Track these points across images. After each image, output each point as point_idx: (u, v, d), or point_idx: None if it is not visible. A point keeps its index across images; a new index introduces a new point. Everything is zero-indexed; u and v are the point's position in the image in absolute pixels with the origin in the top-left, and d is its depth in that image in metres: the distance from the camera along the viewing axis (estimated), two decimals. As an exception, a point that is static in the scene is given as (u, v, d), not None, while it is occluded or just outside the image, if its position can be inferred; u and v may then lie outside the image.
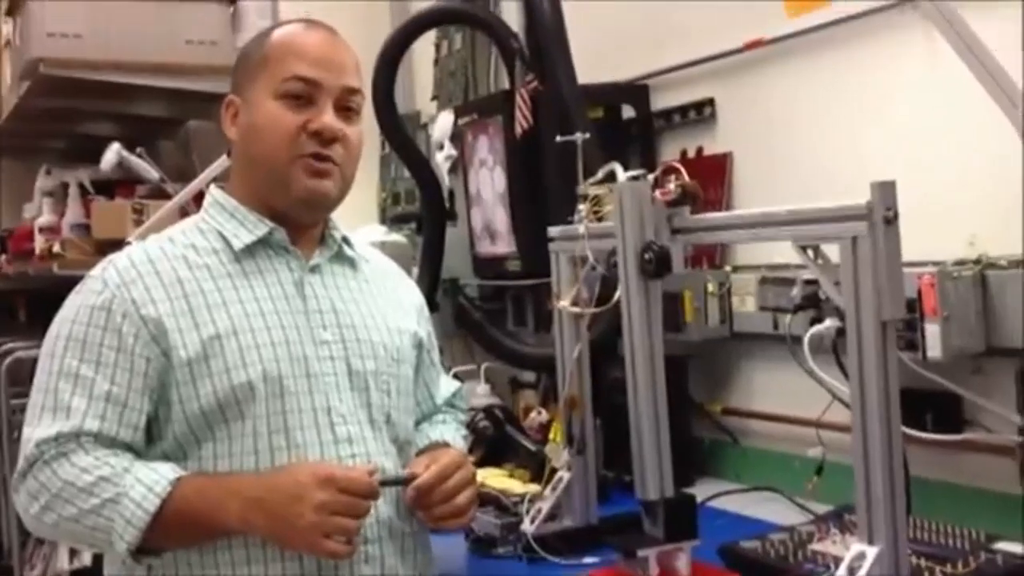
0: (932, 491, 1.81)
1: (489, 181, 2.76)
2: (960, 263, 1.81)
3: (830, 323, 1.55)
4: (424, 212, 3.02)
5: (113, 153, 3.47)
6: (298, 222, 1.50)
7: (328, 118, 1.45)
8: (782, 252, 1.75)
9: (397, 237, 3.02)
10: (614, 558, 1.71)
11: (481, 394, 2.81)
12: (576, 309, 1.86)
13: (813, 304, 1.73)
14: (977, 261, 1.80)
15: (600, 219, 1.78)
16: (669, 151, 2.60)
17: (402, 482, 1.44)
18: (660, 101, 2.62)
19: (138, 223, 3.26)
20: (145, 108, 3.81)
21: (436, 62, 3.60)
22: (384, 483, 1.40)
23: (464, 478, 1.46)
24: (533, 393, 2.87)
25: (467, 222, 2.91)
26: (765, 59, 2.31)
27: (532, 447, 2.32)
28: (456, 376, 2.40)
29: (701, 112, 2.49)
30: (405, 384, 1.55)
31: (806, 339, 1.57)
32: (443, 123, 3.07)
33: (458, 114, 2.95)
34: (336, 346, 1.46)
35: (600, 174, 1.78)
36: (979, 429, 1.83)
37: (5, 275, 4.30)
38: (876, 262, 1.30)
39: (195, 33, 3.44)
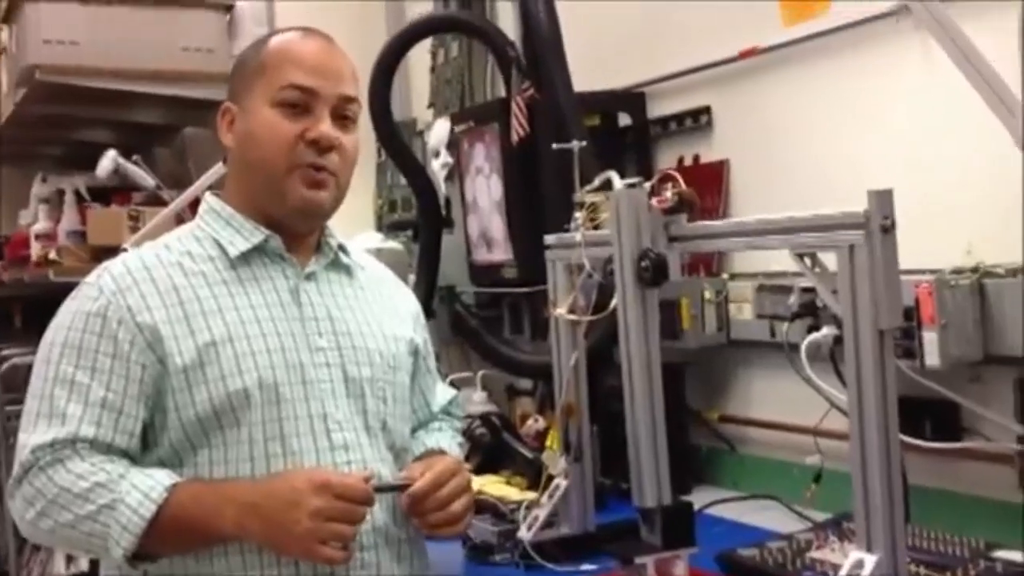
0: (931, 499, 1.81)
1: (485, 189, 2.76)
2: (958, 271, 1.81)
3: (827, 331, 1.55)
4: (420, 219, 3.02)
5: (109, 160, 3.47)
6: (293, 230, 1.50)
7: (325, 127, 1.45)
8: (779, 260, 1.75)
9: (393, 244, 3.02)
10: (611, 565, 1.71)
11: (478, 401, 2.80)
12: (573, 317, 1.86)
13: (810, 312, 1.74)
14: (975, 269, 1.80)
15: (596, 227, 1.77)
16: (666, 159, 2.60)
17: (397, 489, 1.43)
18: (657, 109, 2.62)
19: (134, 230, 3.25)
20: (141, 115, 3.80)
21: (432, 70, 3.60)
22: (379, 489, 1.39)
23: (459, 485, 1.46)
24: (530, 400, 2.87)
25: (463, 229, 2.91)
26: (761, 67, 2.31)
27: (529, 454, 2.31)
28: (453, 383, 2.40)
29: (698, 120, 2.49)
30: (401, 391, 1.54)
31: (803, 347, 1.57)
32: (439, 131, 3.07)
33: (454, 122, 2.95)
34: (332, 353, 1.46)
35: (596, 182, 1.78)
36: (977, 437, 1.83)
37: (1, 282, 4.29)
38: (873, 270, 1.30)
39: (191, 40, 3.44)
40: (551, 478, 1.94)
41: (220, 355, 1.38)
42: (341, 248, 1.57)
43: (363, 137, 1.58)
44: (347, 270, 1.57)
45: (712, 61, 2.40)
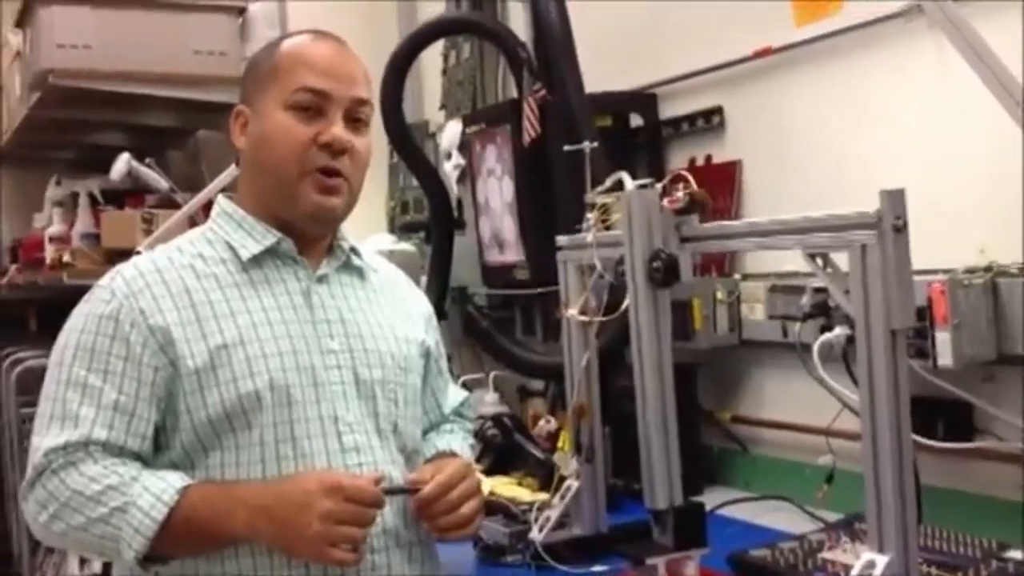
0: (943, 499, 1.80)
1: (497, 190, 2.76)
2: (971, 271, 1.80)
3: (840, 331, 1.54)
4: (432, 221, 3.03)
5: (122, 163, 3.48)
6: (306, 234, 1.50)
7: (337, 130, 1.45)
8: (791, 260, 1.75)
9: (406, 246, 3.03)
10: (623, 566, 1.71)
11: (490, 402, 2.80)
12: (584, 317, 1.86)
13: (823, 312, 1.73)
14: (988, 269, 1.80)
15: (608, 228, 1.77)
16: (678, 159, 2.60)
17: (407, 492, 1.44)
18: (668, 109, 2.62)
19: (147, 233, 3.26)
20: (154, 118, 3.82)
21: (444, 72, 3.60)
22: (389, 492, 1.40)
23: (469, 488, 1.46)
24: (542, 401, 2.87)
25: (475, 231, 2.91)
26: (773, 67, 2.30)
27: (541, 455, 2.31)
28: (465, 384, 2.41)
29: (710, 120, 2.49)
30: (412, 393, 1.55)
31: (816, 347, 1.57)
32: (451, 132, 3.08)
33: (466, 123, 2.95)
34: (343, 355, 1.46)
35: (608, 183, 1.78)
36: (990, 437, 1.82)
37: (15, 284, 4.32)
38: (885, 270, 1.30)
39: (204, 43, 3.45)
40: (563, 479, 1.94)
41: (232, 358, 1.39)
42: (353, 250, 1.57)
43: (375, 139, 1.58)
44: (359, 272, 1.57)
45: (724, 62, 2.40)
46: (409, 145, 3.01)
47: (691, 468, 1.75)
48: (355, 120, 1.48)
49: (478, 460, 2.23)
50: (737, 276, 2.34)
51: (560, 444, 2.16)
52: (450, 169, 3.09)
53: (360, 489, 1.33)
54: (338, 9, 3.46)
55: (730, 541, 1.80)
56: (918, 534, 1.39)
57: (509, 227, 2.73)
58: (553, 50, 2.42)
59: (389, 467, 1.45)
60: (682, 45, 2.54)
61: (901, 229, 1.30)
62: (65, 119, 3.76)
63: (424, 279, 2.86)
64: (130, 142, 3.83)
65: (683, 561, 1.60)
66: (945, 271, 1.79)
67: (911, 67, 1.99)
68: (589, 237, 1.79)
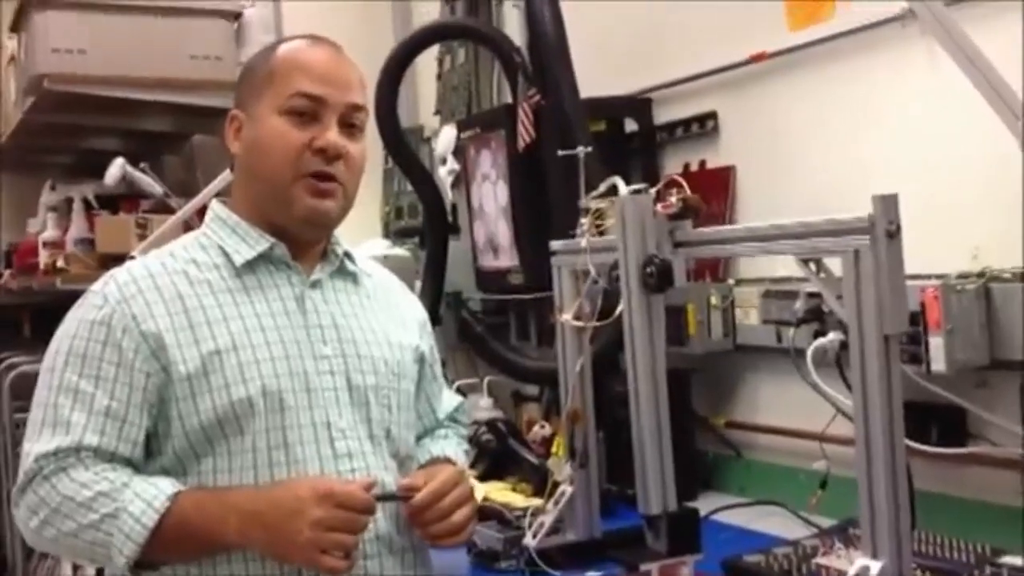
0: (937, 505, 1.80)
1: (492, 195, 2.77)
2: (964, 276, 1.80)
3: (833, 336, 1.54)
4: (427, 226, 3.03)
5: (117, 168, 3.49)
6: (300, 238, 1.50)
7: (332, 135, 1.45)
8: (785, 265, 1.76)
9: (400, 251, 3.03)
10: (617, 572, 1.71)
11: (484, 407, 2.80)
12: (578, 323, 1.86)
13: (816, 317, 1.73)
14: (981, 274, 1.80)
15: (602, 233, 1.77)
16: (672, 164, 2.60)
17: (399, 498, 1.43)
18: (663, 114, 2.62)
19: (142, 238, 3.27)
20: (149, 123, 3.82)
21: (439, 76, 3.61)
22: (381, 498, 1.39)
23: (461, 495, 1.45)
24: (536, 406, 2.87)
25: (470, 236, 2.91)
26: (768, 72, 2.31)
27: (535, 461, 2.31)
28: (459, 390, 2.40)
29: (704, 125, 2.49)
30: (406, 399, 1.54)
31: (809, 352, 1.57)
32: (446, 137, 3.08)
33: (461, 128, 2.96)
34: (336, 361, 1.46)
35: (602, 188, 1.78)
36: (983, 442, 1.82)
37: (9, 290, 4.31)
38: (878, 276, 1.30)
39: (199, 48, 3.45)
40: (557, 484, 1.94)
41: (224, 363, 1.38)
42: (347, 255, 1.57)
43: (370, 144, 1.58)
44: (353, 278, 1.57)
45: (718, 66, 2.40)
46: (404, 150, 3.01)
47: (685, 473, 1.75)
48: (350, 126, 1.48)
49: (472, 465, 2.23)
50: (731, 281, 2.34)
51: (554, 449, 2.15)
52: (445, 174, 3.09)
53: (351, 495, 1.33)
54: (334, 14, 3.47)
55: (724, 546, 1.80)
56: (912, 539, 1.39)
57: (504, 232, 2.73)
58: (547, 55, 2.42)
59: (382, 473, 1.45)
60: (676, 50, 2.55)
61: (894, 234, 1.30)
62: (60, 124, 3.76)
63: (419, 284, 2.86)
64: (125, 147, 3.83)
65: (677, 567, 1.60)
66: (938, 276, 1.79)
67: (905, 72, 1.99)
68: (583, 242, 1.79)
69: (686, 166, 2.55)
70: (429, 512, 1.42)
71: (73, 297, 1.48)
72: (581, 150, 1.95)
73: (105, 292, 1.42)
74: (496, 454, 2.44)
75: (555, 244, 1.93)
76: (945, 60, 1.57)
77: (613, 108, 2.65)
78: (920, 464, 1.69)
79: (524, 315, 2.95)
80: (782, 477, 2.19)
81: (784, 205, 2.20)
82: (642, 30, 2.65)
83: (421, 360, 1.61)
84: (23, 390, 3.42)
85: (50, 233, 3.87)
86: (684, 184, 1.63)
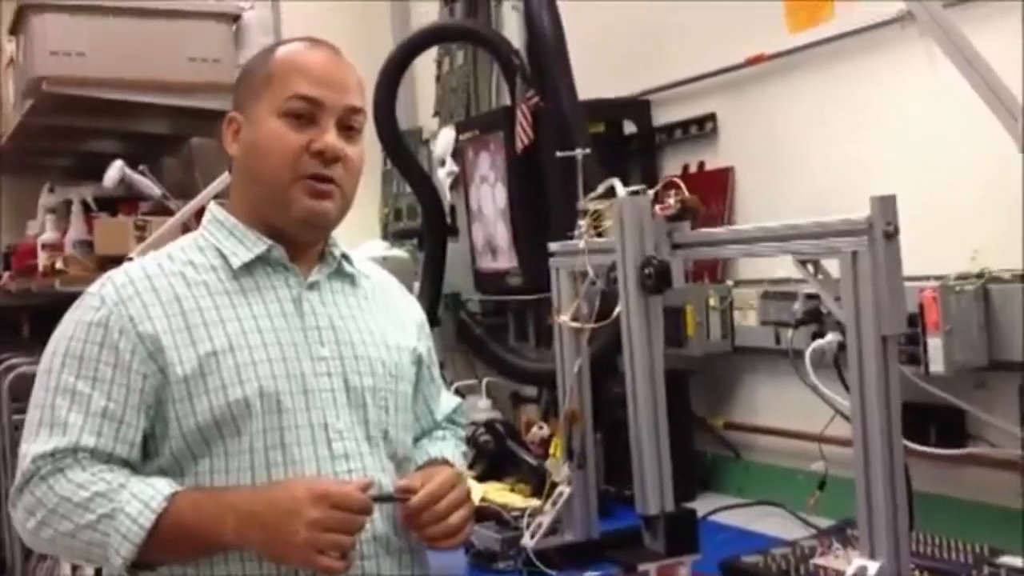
0: (935, 505, 1.80)
1: (490, 197, 2.77)
2: (962, 277, 1.80)
3: (832, 337, 1.54)
4: (425, 228, 3.03)
5: (116, 170, 3.49)
6: (297, 240, 1.50)
7: (330, 138, 1.45)
8: (784, 267, 1.76)
9: (399, 253, 3.02)
10: (615, 572, 1.71)
11: (482, 408, 2.80)
12: (576, 324, 1.86)
13: (815, 318, 1.73)
14: (980, 275, 1.80)
15: (600, 234, 1.78)
16: (671, 166, 2.60)
17: (396, 499, 1.43)
18: (662, 116, 2.62)
19: (140, 239, 3.27)
20: (148, 125, 3.82)
21: (438, 79, 3.61)
22: (378, 499, 1.39)
23: (458, 498, 1.45)
24: (535, 408, 2.87)
25: (468, 237, 2.91)
26: (767, 74, 2.31)
27: (533, 461, 2.31)
28: (458, 391, 2.41)
29: (703, 127, 2.49)
30: (403, 400, 1.54)
31: (808, 353, 1.57)
32: (445, 139, 3.08)
33: (459, 130, 2.96)
34: (334, 362, 1.46)
35: (600, 189, 1.78)
36: (982, 443, 1.82)
37: (8, 291, 4.31)
38: (876, 277, 1.30)
39: (197, 51, 3.45)
40: (555, 485, 1.94)
41: (221, 365, 1.38)
42: (344, 257, 1.57)
43: (368, 146, 1.59)
44: (351, 279, 1.57)
45: (717, 68, 2.41)
46: (402, 152, 3.02)
47: (684, 474, 1.75)
48: (348, 128, 1.48)
49: (471, 466, 2.23)
50: (730, 282, 2.34)
51: (552, 450, 2.16)
52: (443, 176, 3.09)
53: (348, 496, 1.33)
54: (332, 16, 3.48)
55: (722, 547, 1.80)
56: (910, 540, 1.39)
57: (502, 234, 2.74)
58: (546, 57, 2.43)
59: (379, 474, 1.45)
60: (675, 52, 2.55)
61: (892, 235, 1.30)
62: (59, 126, 3.76)
63: (417, 285, 2.86)
64: (124, 149, 3.84)
65: (675, 567, 1.60)
66: (937, 277, 1.79)
67: (904, 73, 1.99)
68: (581, 244, 1.79)
69: (685, 168, 2.55)
70: (426, 514, 1.42)
71: (72, 299, 1.48)
72: (579, 152, 1.95)
73: (102, 294, 1.42)
74: (494, 455, 2.44)
75: (553, 246, 1.93)
76: (944, 62, 1.57)
77: (612, 110, 2.65)
78: (919, 465, 1.69)
79: (522, 316, 2.95)
80: (780, 478, 2.19)
81: (783, 207, 2.20)
82: (641, 32, 2.65)
83: (419, 362, 1.61)
84: (22, 391, 3.41)
85: (49, 235, 3.87)
86: (682, 185, 1.63)
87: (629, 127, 2.67)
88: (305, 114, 1.45)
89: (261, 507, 1.32)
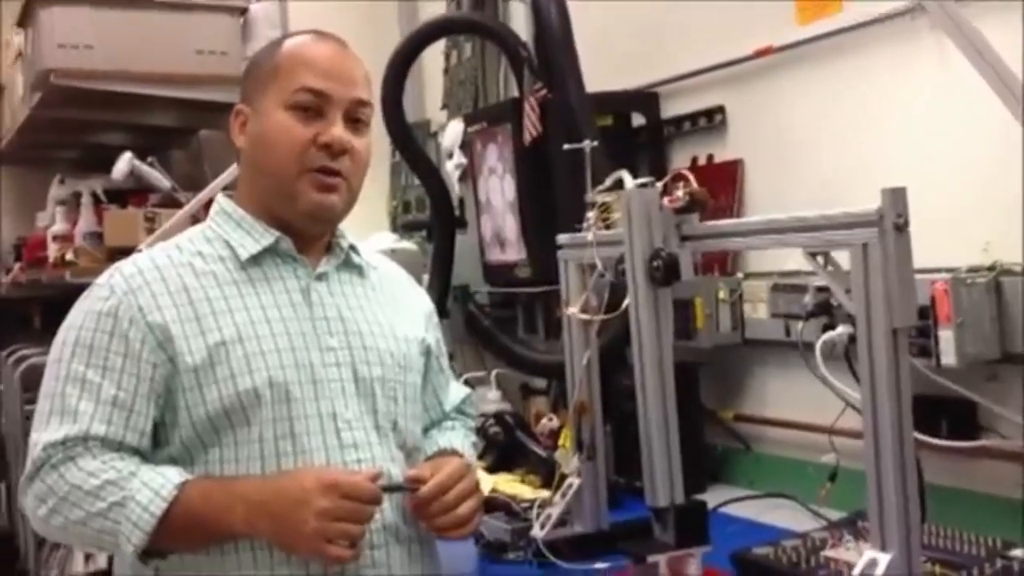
0: (947, 498, 1.80)
1: (499, 189, 2.76)
2: (974, 270, 1.80)
3: (842, 330, 1.54)
4: (434, 220, 3.03)
5: (125, 162, 3.50)
6: (304, 233, 1.50)
7: (337, 130, 1.45)
8: (794, 259, 1.75)
9: (408, 245, 3.03)
10: (624, 564, 1.71)
11: (492, 400, 2.80)
12: (585, 316, 1.86)
13: (825, 311, 1.73)
14: (991, 268, 1.79)
15: (608, 226, 1.77)
16: (680, 159, 2.59)
17: (405, 489, 1.44)
18: (670, 108, 2.61)
19: (150, 231, 3.27)
20: (156, 118, 3.83)
21: (446, 71, 3.61)
22: (387, 489, 1.40)
23: (466, 488, 1.45)
24: (544, 399, 2.87)
25: (477, 230, 2.91)
26: (776, 66, 2.30)
27: (542, 453, 2.32)
28: (467, 382, 2.40)
29: (712, 119, 2.49)
30: (412, 391, 1.55)
31: (818, 346, 1.57)
32: (453, 132, 3.08)
33: (467, 122, 2.95)
34: (342, 353, 1.46)
35: (608, 181, 1.77)
36: (994, 436, 1.82)
37: (19, 283, 4.33)
38: (887, 269, 1.29)
39: (205, 43, 3.46)
40: (564, 477, 1.94)
41: (230, 354, 1.39)
42: (352, 248, 1.57)
43: (376, 138, 1.58)
44: (359, 270, 1.57)
45: (726, 61, 2.40)
46: (411, 144, 3.01)
47: (694, 466, 1.75)
48: (355, 121, 1.48)
49: (480, 458, 2.24)
50: (739, 275, 2.33)
51: (562, 442, 2.15)
52: (452, 168, 3.09)
53: (357, 486, 1.33)
54: (339, 9, 3.47)
55: (733, 539, 1.80)
56: (921, 532, 1.39)
57: (510, 226, 2.73)
58: (554, 49, 2.42)
59: (388, 464, 1.45)
60: (684, 44, 2.54)
61: (902, 227, 1.29)
62: (67, 119, 3.76)
63: (426, 278, 2.86)
64: (132, 141, 3.84)
65: (685, 559, 1.60)
66: (949, 270, 1.79)
67: (913, 65, 1.98)
68: (589, 236, 1.78)
69: (694, 160, 2.54)
70: (434, 504, 1.42)
71: (82, 290, 1.49)
72: (587, 144, 1.95)
73: (111, 283, 1.43)
74: (504, 446, 2.45)
75: (562, 238, 1.93)
76: (954, 54, 1.56)
77: (620, 102, 2.64)
78: (930, 457, 1.69)
79: (531, 308, 2.95)
80: (791, 470, 2.19)
81: (792, 199, 2.19)
82: (649, 24, 2.64)
83: (427, 352, 1.61)
84: (33, 382, 3.43)
85: (59, 227, 3.89)
86: (691, 177, 1.62)
87: (637, 119, 2.66)
88: (312, 107, 1.45)
89: (270, 496, 1.32)
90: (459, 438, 1.65)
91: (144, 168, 3.55)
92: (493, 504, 2.04)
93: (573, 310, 1.87)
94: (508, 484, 2.26)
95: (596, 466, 1.92)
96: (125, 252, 1.81)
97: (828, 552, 1.67)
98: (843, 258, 1.38)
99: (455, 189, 3.08)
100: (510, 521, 1.98)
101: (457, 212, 3.07)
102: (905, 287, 1.30)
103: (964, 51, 1.52)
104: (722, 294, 2.28)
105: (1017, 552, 1.60)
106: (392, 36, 3.40)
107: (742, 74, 2.39)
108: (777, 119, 2.32)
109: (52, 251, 3.84)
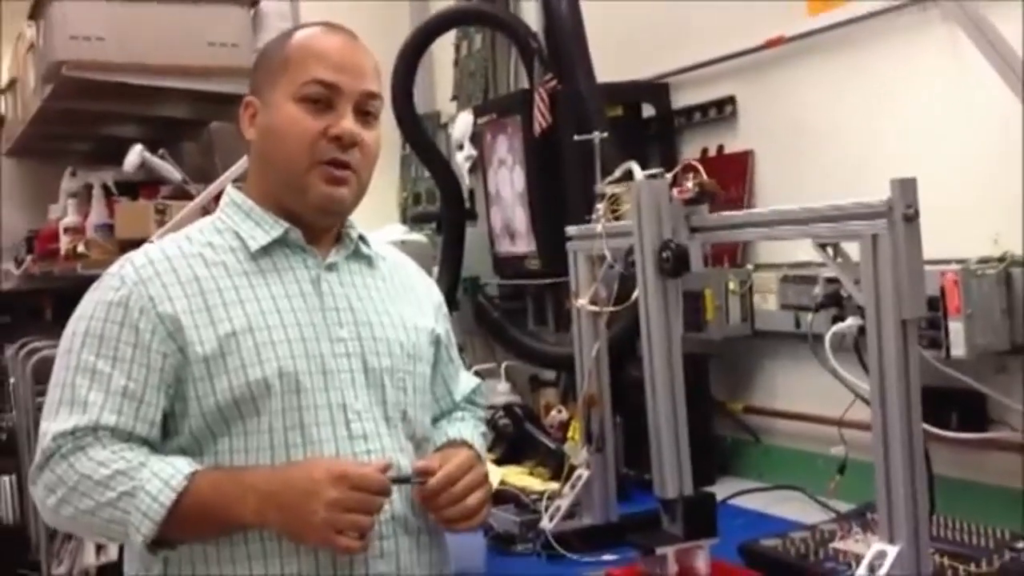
0: (956, 490, 1.79)
1: (508, 180, 2.76)
2: (984, 261, 1.79)
3: (852, 321, 1.53)
4: (444, 212, 3.03)
5: (136, 154, 3.51)
6: (314, 225, 1.51)
7: (347, 123, 1.45)
8: (804, 250, 1.74)
9: (418, 236, 3.03)
10: (633, 556, 1.71)
11: (501, 392, 2.81)
12: (594, 308, 1.86)
13: (835, 302, 1.72)
14: (1002, 259, 1.79)
15: (618, 218, 1.77)
16: (690, 149, 2.59)
17: (414, 480, 1.44)
18: (681, 99, 2.61)
19: (161, 223, 3.28)
20: (167, 110, 3.83)
21: (456, 62, 3.60)
22: (396, 480, 1.40)
23: (475, 480, 1.46)
24: (553, 391, 2.87)
25: (487, 221, 2.91)
26: (786, 57, 2.29)
27: (552, 445, 2.32)
28: (477, 374, 2.41)
29: (722, 110, 2.48)
30: (421, 381, 1.55)
31: (828, 337, 1.56)
32: (463, 123, 3.08)
33: (477, 114, 2.95)
34: (352, 343, 1.47)
35: (617, 173, 1.77)
36: (1003, 427, 1.82)
37: (31, 275, 4.35)
38: (896, 260, 1.29)
39: (216, 35, 3.46)
40: (573, 468, 1.94)
41: (240, 345, 1.39)
42: (362, 239, 1.57)
43: (386, 130, 1.58)
44: (368, 261, 1.57)
45: (736, 51, 2.39)
46: (421, 136, 3.02)
47: (704, 458, 1.75)
48: (365, 113, 1.48)
49: (490, 449, 2.24)
50: (749, 266, 2.33)
51: (571, 434, 2.16)
52: (462, 160, 3.09)
53: (366, 477, 1.34)
54: (350, 0, 3.47)
55: (741, 531, 1.80)
56: (930, 524, 1.39)
57: (520, 217, 2.73)
58: (564, 40, 2.42)
59: (397, 455, 1.45)
60: (694, 34, 2.54)
61: (912, 218, 1.29)
62: (79, 111, 3.77)
63: (436, 269, 2.87)
64: (143, 133, 3.85)
65: (693, 551, 1.60)
66: (959, 261, 1.78)
67: (924, 56, 1.97)
68: (599, 227, 1.78)
69: (704, 151, 2.54)
70: (443, 496, 1.42)
71: (93, 282, 1.49)
72: (597, 135, 1.95)
73: (122, 274, 1.43)
74: (513, 438, 2.45)
75: (571, 229, 1.93)
76: (966, 44, 1.56)
77: (630, 93, 2.64)
78: (940, 449, 1.68)
79: (541, 300, 2.95)
80: (800, 462, 2.19)
81: (802, 190, 2.19)
82: (659, 15, 2.63)
83: (437, 343, 1.61)
84: (44, 374, 3.42)
85: (70, 219, 3.90)
86: (700, 169, 1.62)
87: (648, 110, 2.66)
88: (322, 99, 1.45)
89: (280, 487, 1.33)
90: (469, 429, 1.65)
91: (155, 160, 3.55)
92: (502, 496, 2.04)
93: (582, 302, 1.87)
94: (517, 476, 2.27)
95: (605, 458, 1.92)
96: (136, 244, 1.82)
97: (837, 544, 1.68)
98: (853, 249, 1.38)
99: (465, 181, 3.08)
100: (519, 513, 1.99)
101: (467, 204, 3.07)
102: (914, 278, 1.29)
103: (976, 42, 1.52)
104: (732, 285, 2.28)
105: (1026, 544, 1.60)
106: (403, 28, 3.39)
107: (753, 65, 2.38)
108: (788, 110, 2.31)
109: (64, 243, 3.85)
